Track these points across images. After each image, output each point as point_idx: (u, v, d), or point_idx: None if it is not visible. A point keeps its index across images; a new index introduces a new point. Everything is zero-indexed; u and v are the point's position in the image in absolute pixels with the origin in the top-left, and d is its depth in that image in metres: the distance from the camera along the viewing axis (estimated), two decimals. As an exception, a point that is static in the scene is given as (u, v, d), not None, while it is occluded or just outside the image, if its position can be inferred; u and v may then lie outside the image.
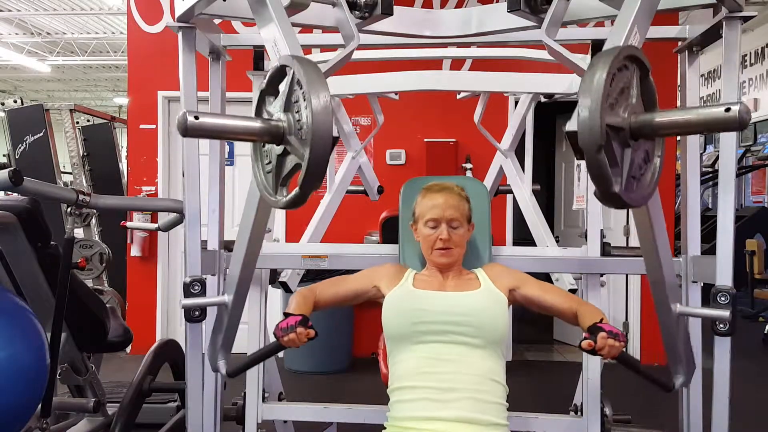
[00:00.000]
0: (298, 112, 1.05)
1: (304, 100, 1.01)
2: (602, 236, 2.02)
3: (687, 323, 1.65)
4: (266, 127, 1.07)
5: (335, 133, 1.01)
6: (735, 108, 0.89)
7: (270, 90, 1.14)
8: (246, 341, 2.13)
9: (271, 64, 1.35)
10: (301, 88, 1.03)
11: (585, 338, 1.45)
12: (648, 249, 1.47)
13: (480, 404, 1.59)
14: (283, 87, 1.10)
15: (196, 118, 1.01)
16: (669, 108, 1.02)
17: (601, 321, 1.51)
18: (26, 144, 4.94)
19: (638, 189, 1.04)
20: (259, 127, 1.07)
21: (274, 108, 1.11)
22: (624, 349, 1.48)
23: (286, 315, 1.52)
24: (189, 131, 1.01)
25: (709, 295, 1.57)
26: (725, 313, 1.50)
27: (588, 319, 1.55)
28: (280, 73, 1.11)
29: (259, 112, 1.15)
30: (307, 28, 1.70)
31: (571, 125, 0.94)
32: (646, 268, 1.53)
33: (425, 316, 1.65)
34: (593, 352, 1.44)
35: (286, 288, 2.43)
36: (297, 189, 1.05)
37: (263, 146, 1.17)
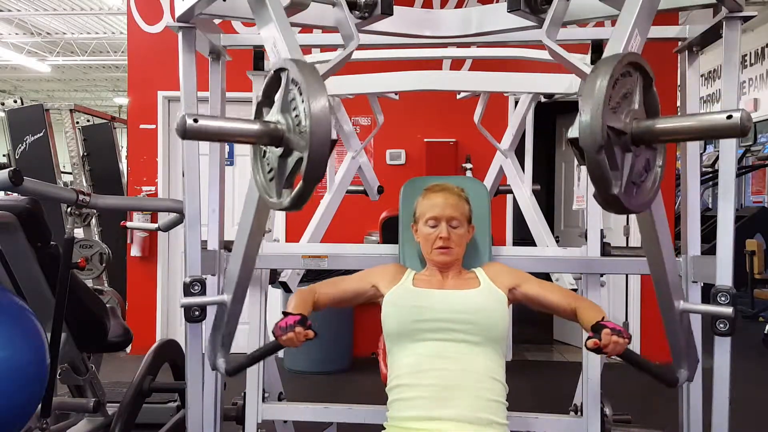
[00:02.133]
0: (295, 111, 1.05)
1: (302, 101, 1.02)
2: (602, 236, 2.02)
3: (689, 320, 1.66)
4: (265, 129, 1.07)
5: (334, 135, 1.02)
6: (737, 115, 0.89)
7: (266, 102, 1.15)
8: (246, 341, 2.13)
9: (270, 64, 1.34)
10: (297, 87, 1.04)
11: (590, 337, 1.46)
12: (651, 249, 1.48)
13: (480, 402, 1.59)
14: (280, 89, 1.10)
15: (195, 121, 1.01)
16: (670, 113, 1.02)
17: (603, 319, 1.51)
18: (26, 144, 4.94)
19: (638, 195, 1.05)
20: (257, 129, 1.07)
21: (272, 113, 1.12)
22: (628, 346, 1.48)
23: (285, 314, 1.52)
24: (188, 134, 1.01)
25: (709, 295, 1.58)
26: (728, 310, 1.51)
27: (589, 317, 1.55)
28: (276, 81, 1.12)
29: (258, 117, 1.16)
30: (307, 28, 1.70)
31: (573, 131, 0.94)
32: (650, 267, 1.54)
33: (425, 314, 1.66)
34: (599, 350, 1.44)
35: (286, 288, 2.43)
36: (296, 190, 1.06)
37: (263, 149, 1.17)
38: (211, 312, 1.79)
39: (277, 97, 1.11)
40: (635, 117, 1.00)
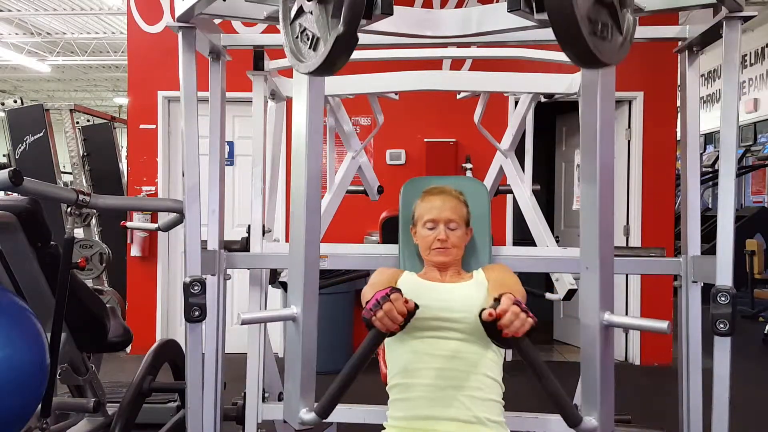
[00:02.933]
0: None
1: None
2: (602, 236, 2.01)
3: (612, 349, 1.37)
4: None
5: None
6: None
7: None
8: (246, 341, 2.13)
9: None
10: None
11: (485, 309, 1.29)
12: (588, 235, 1.33)
13: (478, 402, 1.59)
14: None
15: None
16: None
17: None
18: (26, 144, 4.93)
19: (609, 43, 0.97)
20: None
21: None
22: (530, 333, 1.29)
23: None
24: None
25: (709, 295, 1.58)
26: (663, 325, 1.32)
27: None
28: None
29: None
30: (307, 28, 1.70)
31: None
32: (581, 258, 1.37)
33: (422, 311, 1.64)
34: (495, 325, 1.27)
35: (286, 288, 2.43)
36: (333, 37, 0.99)
37: (292, 12, 1.11)
38: (211, 312, 1.78)
39: None
40: None
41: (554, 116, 5.81)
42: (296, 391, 1.39)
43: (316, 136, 1.41)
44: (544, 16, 0.93)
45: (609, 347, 1.37)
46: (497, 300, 1.34)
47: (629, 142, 4.99)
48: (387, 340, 1.73)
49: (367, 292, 1.63)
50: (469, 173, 4.82)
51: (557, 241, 4.23)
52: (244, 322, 1.47)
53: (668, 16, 3.41)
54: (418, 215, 1.82)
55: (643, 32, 1.83)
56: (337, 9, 0.99)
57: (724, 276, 1.58)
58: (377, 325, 1.35)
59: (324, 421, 2.26)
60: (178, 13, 1.61)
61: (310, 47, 1.07)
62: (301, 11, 1.09)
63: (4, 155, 6.52)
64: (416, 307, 1.36)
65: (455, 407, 1.57)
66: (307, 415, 1.38)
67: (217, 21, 1.90)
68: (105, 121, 5.68)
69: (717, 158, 2.95)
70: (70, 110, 5.04)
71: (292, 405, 1.39)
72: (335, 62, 1.01)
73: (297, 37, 1.10)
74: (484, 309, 1.31)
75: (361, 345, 1.40)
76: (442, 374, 1.60)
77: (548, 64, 2.22)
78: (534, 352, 1.31)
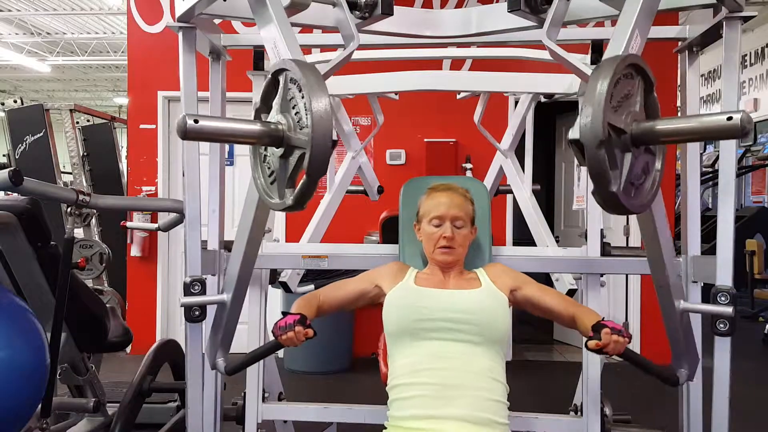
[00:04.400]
0: (295, 109, 1.05)
1: (302, 97, 1.02)
2: (602, 236, 2.02)
3: (689, 320, 1.66)
4: (265, 130, 1.07)
5: (334, 136, 1.02)
6: (737, 117, 0.89)
7: (264, 108, 1.15)
8: (246, 341, 2.13)
9: (270, 64, 1.33)
10: (296, 85, 1.04)
11: (590, 338, 1.46)
12: (652, 248, 1.49)
13: (480, 402, 1.59)
14: (278, 91, 1.10)
15: (196, 121, 1.01)
16: (670, 113, 1.03)
17: (602, 320, 1.51)
18: (26, 144, 4.93)
19: (637, 196, 1.05)
20: (258, 129, 1.07)
21: (272, 114, 1.12)
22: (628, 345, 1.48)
23: (285, 314, 1.52)
24: (188, 134, 1.01)
25: (709, 295, 1.58)
26: (728, 310, 1.51)
27: (589, 320, 1.55)
28: (274, 85, 1.12)
29: (258, 117, 1.16)
30: (307, 28, 1.70)
31: (575, 132, 0.95)
32: (650, 266, 1.55)
33: (426, 314, 1.65)
34: (600, 350, 1.44)
35: (286, 288, 2.43)
36: (299, 188, 1.05)
37: (263, 150, 1.17)
38: (210, 311, 1.79)
39: (276, 99, 1.11)
40: (635, 118, 1.01)
41: (554, 116, 5.81)
42: (217, 343, 1.72)
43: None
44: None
45: (688, 323, 1.64)
46: (596, 330, 1.47)
47: (629, 142, 4.99)
48: (390, 343, 1.74)
49: (360, 276, 1.83)
50: (469, 173, 4.82)
51: (557, 241, 4.23)
52: (183, 305, 1.68)
53: (668, 16, 3.41)
54: (424, 211, 1.81)
55: (643, 32, 1.83)
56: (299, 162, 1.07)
57: (724, 276, 1.58)
58: (281, 342, 1.51)
59: (324, 421, 2.27)
60: (178, 13, 1.61)
61: (275, 185, 1.14)
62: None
63: (4, 155, 6.52)
64: (315, 334, 1.50)
65: (458, 407, 1.57)
66: (221, 364, 1.74)
67: (217, 21, 1.90)
68: (105, 121, 5.68)
69: (717, 158, 2.95)
70: (70, 110, 5.03)
71: (211, 351, 1.74)
72: (301, 205, 1.09)
73: (269, 176, 1.16)
74: (590, 339, 1.46)
75: (265, 344, 1.69)
76: (445, 375, 1.60)
77: (548, 64, 2.21)
78: (630, 353, 1.53)
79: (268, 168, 1.15)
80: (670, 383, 1.68)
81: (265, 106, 1.15)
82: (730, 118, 0.90)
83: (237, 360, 1.72)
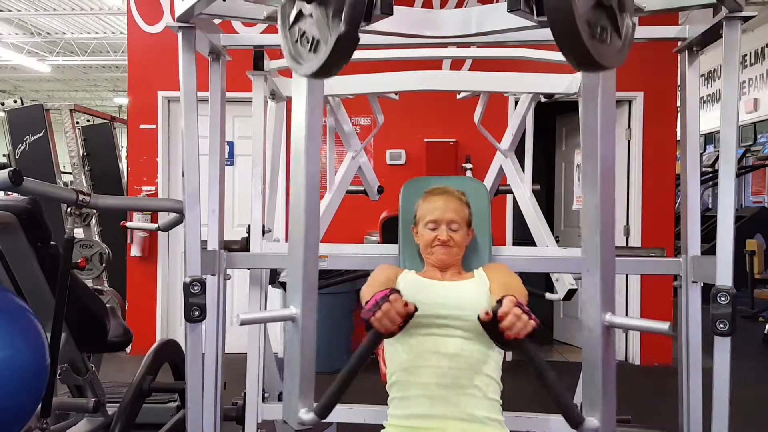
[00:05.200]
0: None
1: None
2: (602, 236, 2.01)
3: (614, 351, 1.38)
4: None
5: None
6: None
7: None
8: (246, 341, 2.12)
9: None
10: None
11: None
12: (590, 237, 1.33)
13: (476, 400, 1.59)
14: None
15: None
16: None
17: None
18: (26, 144, 4.93)
19: (608, 46, 0.97)
20: None
21: None
22: (532, 335, 1.29)
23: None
24: None
25: (709, 295, 1.58)
26: (664, 326, 1.30)
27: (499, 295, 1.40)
28: None
29: None
30: (307, 28, 1.70)
31: None
32: (582, 260, 1.38)
33: (421, 307, 1.64)
34: (496, 328, 1.27)
35: (286, 288, 2.43)
36: (333, 37, 0.98)
37: (290, 16, 1.10)
38: (211, 312, 1.78)
39: None
40: None
41: (554, 116, 5.81)
42: (295, 391, 1.38)
43: (314, 137, 1.41)
44: (544, 18, 0.93)
45: (610, 348, 1.36)
46: (499, 302, 1.34)
47: (629, 142, 4.99)
48: (386, 340, 1.73)
49: (366, 291, 1.62)
50: (469, 173, 4.82)
51: (557, 241, 4.22)
52: (243, 323, 1.43)
53: (668, 16, 3.40)
54: (420, 215, 1.82)
55: (643, 32, 1.83)
56: (337, 10, 0.98)
57: (724, 276, 1.58)
58: (375, 326, 1.36)
59: (324, 421, 2.26)
60: (178, 13, 1.61)
61: (310, 50, 1.06)
62: (300, 15, 1.09)
63: (4, 155, 6.52)
64: (416, 309, 1.37)
65: (455, 405, 1.58)
66: (306, 415, 1.37)
67: (217, 21, 1.90)
68: (105, 121, 5.68)
69: (717, 158, 2.95)
70: (70, 110, 5.04)
71: (291, 405, 1.38)
72: (336, 63, 1.00)
73: (296, 41, 1.10)
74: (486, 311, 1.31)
75: (360, 345, 1.41)
76: (442, 372, 1.60)
77: (548, 64, 2.22)
78: (537, 353, 1.31)
79: (299, 30, 1.08)
80: (569, 421, 1.36)
81: None
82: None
83: (325, 394, 1.39)
